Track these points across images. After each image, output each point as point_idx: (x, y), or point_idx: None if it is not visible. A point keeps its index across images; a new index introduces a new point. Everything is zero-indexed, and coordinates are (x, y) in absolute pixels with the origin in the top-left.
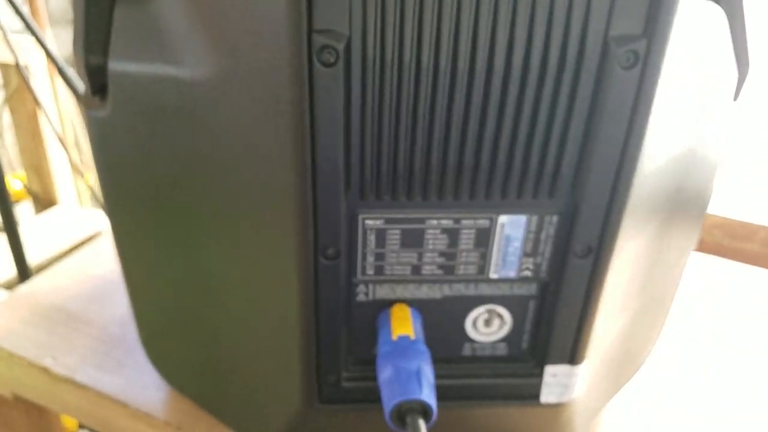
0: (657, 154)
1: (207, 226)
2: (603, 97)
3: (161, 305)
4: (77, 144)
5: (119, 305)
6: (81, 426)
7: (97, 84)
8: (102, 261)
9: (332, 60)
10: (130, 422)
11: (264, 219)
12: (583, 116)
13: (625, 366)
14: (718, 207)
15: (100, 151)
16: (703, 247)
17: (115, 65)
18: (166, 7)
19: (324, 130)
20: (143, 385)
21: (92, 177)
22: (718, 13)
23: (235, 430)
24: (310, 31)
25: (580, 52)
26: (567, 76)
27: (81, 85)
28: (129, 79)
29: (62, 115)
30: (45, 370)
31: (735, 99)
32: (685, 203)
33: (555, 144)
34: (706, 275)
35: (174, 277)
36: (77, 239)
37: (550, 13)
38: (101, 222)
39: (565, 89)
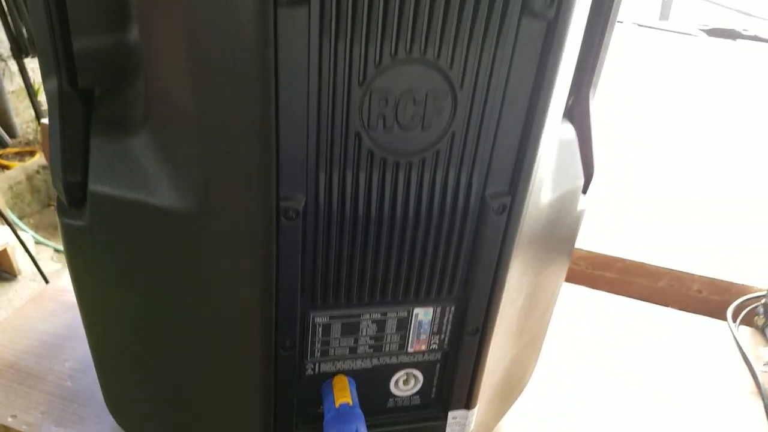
0: (523, 255)
1: (179, 323)
2: (482, 232)
3: (127, 373)
4: None
5: (68, 359)
6: None
7: (74, 199)
8: (44, 316)
9: (293, 216)
10: None
11: (233, 323)
12: (470, 245)
13: (510, 394)
14: (583, 243)
15: (73, 254)
16: (570, 275)
17: (94, 186)
18: (143, 148)
19: (286, 261)
20: None
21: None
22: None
23: None
24: (278, 199)
25: (466, 204)
26: (458, 220)
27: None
28: (107, 200)
29: None
30: (6, 429)
31: (584, 192)
32: (548, 274)
33: (451, 263)
34: (572, 300)
35: (141, 353)
36: None
37: (445, 180)
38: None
39: (456, 228)
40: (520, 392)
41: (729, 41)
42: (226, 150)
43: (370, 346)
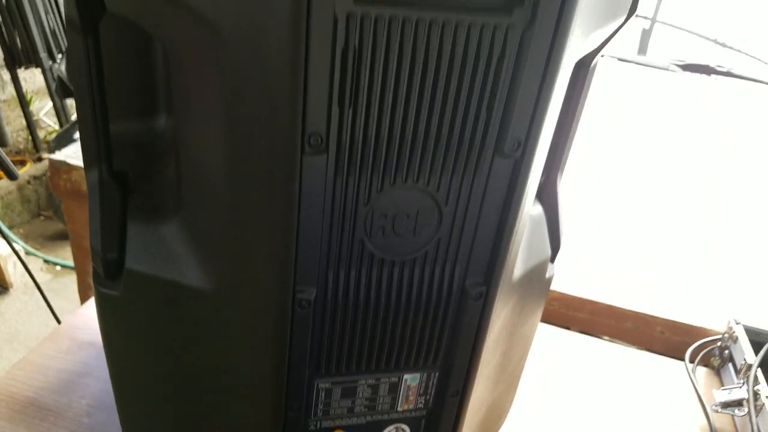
0: (498, 325)
1: (200, 384)
2: (462, 315)
3: (146, 415)
4: None
5: (84, 396)
6: None
7: (111, 273)
8: (59, 354)
9: (306, 306)
10: None
11: (249, 388)
12: (452, 325)
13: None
14: (558, 285)
15: (105, 317)
16: (545, 314)
17: (130, 265)
18: (175, 236)
19: (297, 340)
20: None
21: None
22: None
23: None
24: (294, 291)
25: (449, 293)
26: (441, 306)
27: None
28: (141, 276)
29: None
30: None
31: (552, 261)
32: (522, 333)
33: (436, 340)
34: (545, 339)
35: (162, 401)
36: None
37: (432, 274)
38: None
39: (440, 313)
40: (498, 430)
41: (703, 76)
42: (252, 249)
43: (365, 406)
